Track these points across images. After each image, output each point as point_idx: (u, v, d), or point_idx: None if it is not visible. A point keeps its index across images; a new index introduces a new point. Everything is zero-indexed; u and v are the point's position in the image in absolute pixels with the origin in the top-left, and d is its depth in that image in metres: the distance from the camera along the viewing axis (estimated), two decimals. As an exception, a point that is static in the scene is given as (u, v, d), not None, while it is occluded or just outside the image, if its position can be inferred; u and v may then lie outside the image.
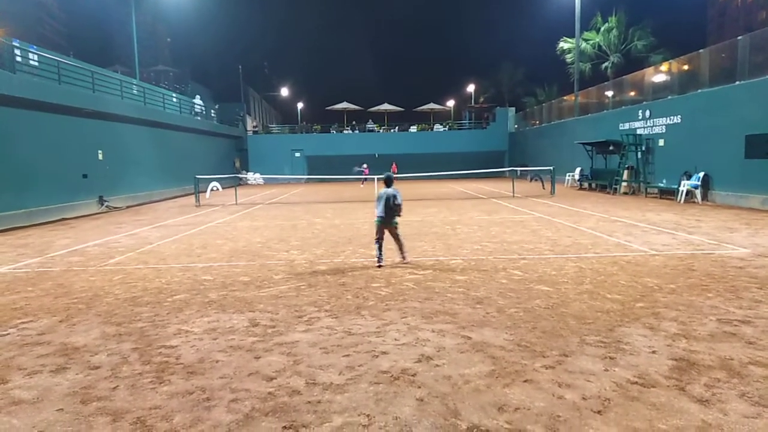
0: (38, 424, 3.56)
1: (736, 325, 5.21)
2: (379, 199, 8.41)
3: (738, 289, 6.56)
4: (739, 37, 17.74)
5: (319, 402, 3.75)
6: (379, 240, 8.52)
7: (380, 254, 8.46)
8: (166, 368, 4.46)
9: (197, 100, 40.41)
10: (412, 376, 4.17)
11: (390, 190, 8.37)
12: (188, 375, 4.31)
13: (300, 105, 61.45)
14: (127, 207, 21.62)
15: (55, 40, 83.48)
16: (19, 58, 17.45)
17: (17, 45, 18.01)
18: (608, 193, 23.11)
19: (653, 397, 3.71)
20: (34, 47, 19.77)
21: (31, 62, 18.18)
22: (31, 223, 15.74)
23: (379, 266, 8.35)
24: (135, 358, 4.74)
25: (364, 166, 34.07)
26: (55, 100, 17.58)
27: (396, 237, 8.62)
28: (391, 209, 8.32)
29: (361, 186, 33.09)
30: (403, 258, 8.65)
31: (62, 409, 3.75)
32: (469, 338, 5.00)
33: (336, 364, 4.45)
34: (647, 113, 22.11)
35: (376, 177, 26.36)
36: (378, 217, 8.43)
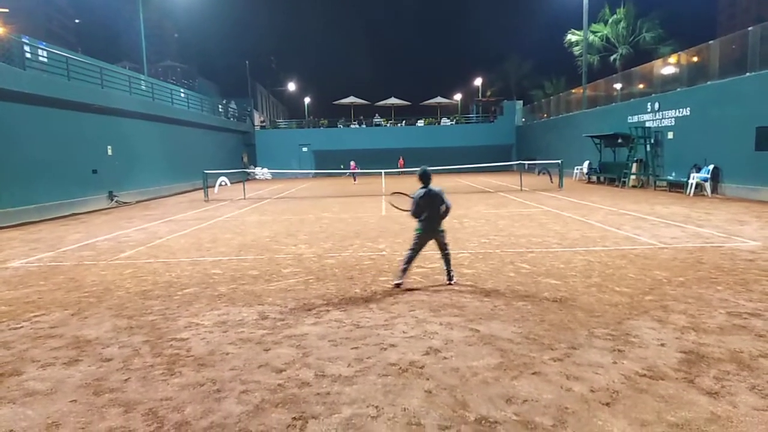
0: (52, 414, 3.61)
1: (745, 318, 5.18)
2: (416, 201, 6.51)
3: (748, 282, 6.53)
4: (750, 28, 17.50)
5: (328, 393, 3.79)
6: (413, 254, 6.68)
7: (406, 270, 6.72)
8: (177, 360, 4.51)
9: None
10: (420, 368, 4.19)
11: (434, 189, 6.51)
12: (199, 367, 4.35)
13: (307, 100, 61.46)
14: (137, 202, 21.76)
15: (64, 37, 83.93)
16: (28, 55, 17.56)
17: (27, 42, 18.11)
18: (617, 186, 22.98)
19: (662, 389, 3.71)
20: (44, 44, 19.87)
21: (41, 59, 18.28)
22: (43, 218, 15.88)
23: (398, 285, 6.68)
24: (146, 350, 4.79)
25: (352, 163, 33.58)
26: (64, 96, 17.70)
27: (444, 248, 6.78)
28: (437, 214, 6.54)
29: (354, 183, 32.11)
30: (450, 278, 6.84)
31: (75, 401, 3.81)
32: (477, 331, 5.02)
33: (345, 357, 4.48)
34: (656, 106, 21.92)
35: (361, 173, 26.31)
36: (419, 226, 6.62)
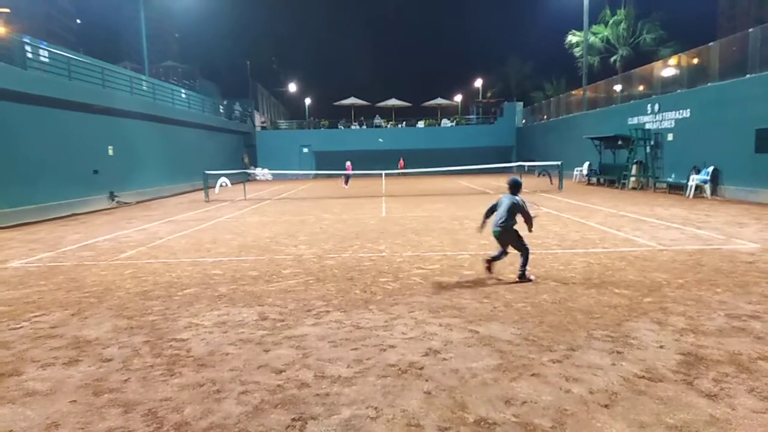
0: (52, 415, 3.62)
1: (744, 320, 5.19)
2: (496, 207, 7.06)
3: (747, 284, 6.53)
4: (750, 30, 17.52)
5: (327, 394, 3.79)
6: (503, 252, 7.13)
7: (492, 261, 7.09)
8: (177, 361, 4.52)
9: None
10: (420, 369, 4.20)
11: (507, 197, 7.00)
12: (199, 367, 4.36)
13: (308, 101, 61.44)
14: (137, 202, 21.77)
15: (65, 37, 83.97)
16: (29, 55, 17.57)
17: (28, 41, 18.13)
18: (616, 188, 22.99)
19: (661, 391, 3.71)
20: (45, 44, 19.89)
21: (42, 59, 18.28)
22: (43, 218, 15.89)
23: (488, 264, 7.08)
24: (146, 351, 4.80)
25: (348, 163, 28.78)
26: (65, 96, 17.72)
27: (518, 249, 7.03)
28: (506, 218, 6.83)
29: (345, 187, 27.64)
30: (520, 275, 7.00)
31: (75, 401, 3.82)
32: (477, 332, 5.02)
33: (344, 358, 4.49)
34: (656, 107, 21.94)
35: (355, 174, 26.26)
36: (494, 228, 6.99)
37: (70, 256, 9.88)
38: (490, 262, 7.11)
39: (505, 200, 6.95)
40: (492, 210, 7.10)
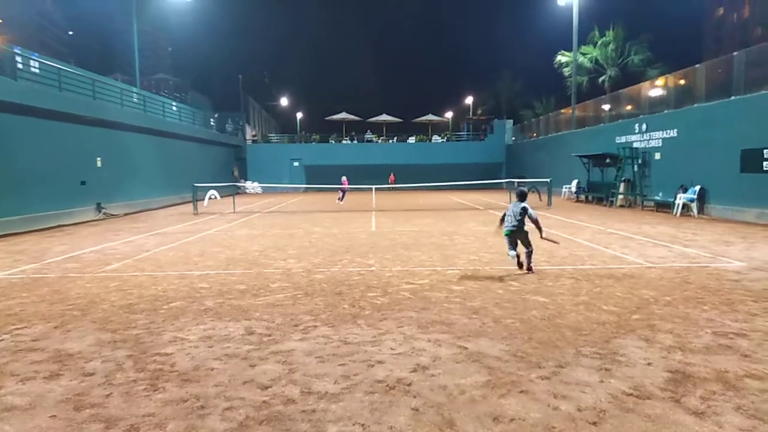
0: (31, 430, 3.53)
1: (731, 338, 5.21)
2: (507, 213, 8.41)
3: (733, 302, 6.57)
4: (735, 53, 17.91)
5: (313, 411, 3.74)
6: (511, 249, 8.40)
7: (519, 263, 8.44)
8: (161, 376, 4.44)
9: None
10: (408, 385, 4.16)
11: (517, 204, 8.29)
12: (183, 383, 4.29)
13: (299, 115, 61.69)
14: (125, 214, 21.59)
15: (57, 48, 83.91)
16: (20, 65, 17.51)
17: (19, 52, 18.08)
18: (605, 205, 23.17)
19: (648, 408, 3.70)
20: (36, 55, 19.84)
21: (32, 69, 18.23)
22: (28, 229, 15.69)
23: (520, 265, 8.48)
24: (129, 365, 4.72)
25: (343, 178, 27.69)
26: (55, 107, 17.63)
27: (526, 246, 8.43)
28: (517, 221, 8.17)
29: (339, 202, 26.64)
30: (528, 268, 8.51)
31: (55, 416, 3.73)
32: (465, 348, 5.00)
33: (331, 373, 4.44)
34: (644, 127, 22.23)
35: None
36: (505, 230, 8.37)
37: (55, 267, 9.74)
38: (519, 261, 8.45)
39: (515, 207, 8.26)
40: (504, 216, 8.45)
